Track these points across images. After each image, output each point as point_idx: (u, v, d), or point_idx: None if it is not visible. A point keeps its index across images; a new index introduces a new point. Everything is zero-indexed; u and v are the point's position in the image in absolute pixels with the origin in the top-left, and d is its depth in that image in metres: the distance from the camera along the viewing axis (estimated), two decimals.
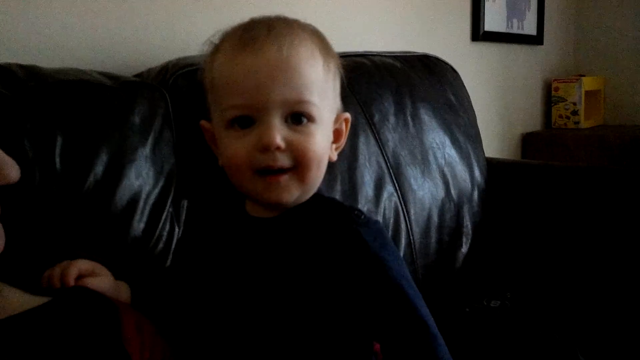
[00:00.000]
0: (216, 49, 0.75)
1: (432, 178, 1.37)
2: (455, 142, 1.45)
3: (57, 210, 0.86)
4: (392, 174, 1.30)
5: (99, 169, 0.89)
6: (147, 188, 0.94)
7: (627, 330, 1.18)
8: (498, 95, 2.35)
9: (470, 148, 1.49)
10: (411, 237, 1.30)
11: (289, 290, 0.70)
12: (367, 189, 1.24)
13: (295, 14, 0.78)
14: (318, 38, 0.75)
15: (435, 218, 1.35)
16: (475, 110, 1.60)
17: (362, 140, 1.27)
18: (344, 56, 1.35)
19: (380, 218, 1.25)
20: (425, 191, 1.35)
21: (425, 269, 1.31)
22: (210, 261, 0.80)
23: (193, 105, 1.01)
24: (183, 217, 0.99)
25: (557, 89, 2.54)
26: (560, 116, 2.54)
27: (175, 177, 0.99)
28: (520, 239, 1.48)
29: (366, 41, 1.72)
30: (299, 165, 0.71)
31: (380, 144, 1.31)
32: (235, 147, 0.71)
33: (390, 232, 1.26)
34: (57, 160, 0.87)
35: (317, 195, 0.77)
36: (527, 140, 2.47)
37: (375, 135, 1.30)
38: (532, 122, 2.55)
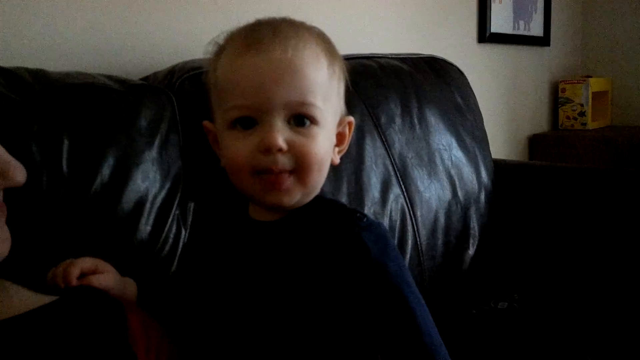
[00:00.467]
0: (220, 49, 0.75)
1: (438, 180, 1.37)
2: (462, 144, 1.44)
3: (64, 213, 0.86)
4: (399, 176, 1.30)
5: (105, 172, 0.90)
6: (153, 191, 0.95)
7: (636, 332, 1.18)
8: (505, 96, 2.34)
9: (477, 150, 1.48)
10: (418, 239, 1.30)
11: (290, 294, 0.70)
12: (373, 191, 1.24)
13: (301, 15, 0.78)
14: (323, 41, 0.75)
15: (442, 220, 1.35)
16: (482, 111, 1.59)
17: (368, 142, 1.27)
18: (350, 58, 1.36)
19: (386, 220, 1.25)
20: (432, 193, 1.34)
21: (432, 271, 1.31)
22: (213, 264, 0.80)
23: (199, 109, 1.01)
24: (189, 219, 0.99)
25: (564, 90, 2.53)
26: (568, 117, 2.53)
27: (182, 179, 0.99)
28: (527, 240, 1.48)
29: (372, 43, 1.72)
30: (301, 167, 0.70)
31: (387, 146, 1.31)
32: (236, 147, 0.70)
33: (396, 234, 1.26)
34: (64, 163, 0.87)
35: (319, 197, 0.77)
36: (534, 142, 2.46)
37: (381, 137, 1.30)
38: (539, 123, 2.54)
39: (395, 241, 1.25)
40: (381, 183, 1.26)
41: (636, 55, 2.65)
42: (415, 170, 1.33)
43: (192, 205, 1.00)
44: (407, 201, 1.30)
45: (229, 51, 0.73)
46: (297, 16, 0.77)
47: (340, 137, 0.78)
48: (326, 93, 0.72)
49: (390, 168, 1.29)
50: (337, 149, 0.78)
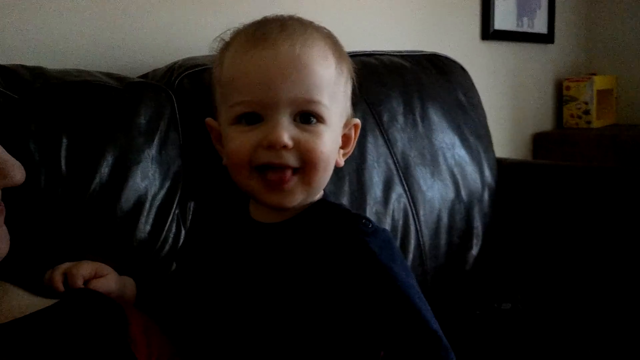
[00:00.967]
0: (227, 45, 0.74)
1: (441, 179, 1.36)
2: (465, 142, 1.43)
3: (62, 212, 0.85)
4: (401, 175, 1.29)
5: (104, 170, 0.89)
6: (153, 190, 0.94)
7: None
8: (508, 94, 2.33)
9: (480, 148, 1.47)
10: (420, 239, 1.28)
11: (291, 299, 0.68)
12: (375, 190, 1.23)
13: (302, 13, 0.77)
14: (332, 41, 0.74)
15: (445, 219, 1.34)
16: (485, 109, 1.58)
17: (370, 140, 1.26)
18: (352, 56, 1.34)
19: (389, 219, 1.24)
20: (435, 192, 1.33)
21: (435, 271, 1.30)
22: (212, 265, 0.78)
23: (199, 106, 1.01)
24: (189, 218, 0.98)
25: (568, 88, 2.51)
26: (572, 115, 2.51)
27: (182, 178, 0.99)
28: (531, 240, 1.47)
29: (375, 40, 1.71)
30: (306, 165, 0.68)
31: (389, 145, 1.29)
32: (239, 140, 0.69)
33: (399, 234, 1.25)
34: (63, 162, 0.86)
35: (323, 200, 0.75)
36: (538, 140, 2.45)
37: (383, 135, 1.29)
38: (543, 121, 2.53)
39: (398, 241, 1.24)
40: (383, 182, 1.25)
41: None
42: (417, 169, 1.32)
43: (191, 204, 0.99)
44: (410, 200, 1.28)
45: (235, 46, 0.72)
46: (299, 13, 0.76)
47: (345, 139, 0.76)
48: (333, 92, 0.71)
49: (393, 167, 1.28)
50: (342, 152, 0.77)
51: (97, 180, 0.88)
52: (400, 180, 1.28)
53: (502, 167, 1.53)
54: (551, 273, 1.40)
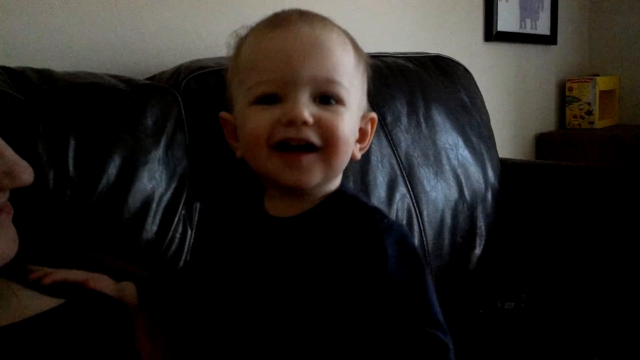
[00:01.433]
0: (244, 36, 0.73)
1: (445, 179, 1.36)
2: (468, 143, 1.44)
3: (70, 213, 0.86)
4: (405, 175, 1.30)
5: (112, 171, 0.90)
6: (159, 190, 0.95)
7: None
8: (511, 95, 2.34)
9: (483, 149, 1.48)
10: (424, 239, 1.29)
11: (303, 294, 0.67)
12: (379, 191, 1.24)
13: None
14: (349, 36, 0.74)
15: (448, 219, 1.34)
16: (488, 110, 1.59)
17: (374, 141, 1.26)
18: None
19: None
20: (438, 192, 1.34)
21: (438, 271, 1.31)
22: (227, 261, 0.77)
23: (205, 108, 1.02)
24: (196, 219, 0.99)
25: (571, 89, 2.52)
26: (575, 116, 2.52)
27: (188, 179, 0.99)
28: (534, 240, 1.47)
29: (378, 42, 1.72)
30: (328, 143, 0.66)
31: (393, 145, 1.30)
32: (257, 119, 0.67)
33: None
34: (70, 163, 0.87)
35: (341, 192, 0.73)
36: (541, 141, 2.46)
37: (387, 136, 1.30)
38: (546, 122, 2.53)
39: None
40: (387, 182, 1.26)
41: None
42: (421, 170, 1.33)
43: (198, 205, 1.00)
44: (414, 201, 1.29)
45: (254, 33, 0.71)
46: None
47: (362, 133, 0.74)
48: (352, 78, 0.70)
49: (397, 167, 1.29)
50: (358, 145, 0.74)
51: (104, 181, 0.89)
52: (404, 180, 1.29)
53: (506, 168, 1.53)
54: (554, 272, 1.40)
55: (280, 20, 0.69)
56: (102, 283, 0.76)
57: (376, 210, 0.71)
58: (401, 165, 1.30)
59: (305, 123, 0.65)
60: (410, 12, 1.90)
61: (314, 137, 0.66)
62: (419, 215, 1.29)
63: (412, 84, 1.39)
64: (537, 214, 1.49)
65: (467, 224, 1.38)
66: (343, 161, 0.69)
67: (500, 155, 1.56)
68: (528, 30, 2.36)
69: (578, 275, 1.38)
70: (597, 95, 2.46)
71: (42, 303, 0.68)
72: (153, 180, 0.94)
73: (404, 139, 1.32)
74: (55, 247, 0.83)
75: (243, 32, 0.74)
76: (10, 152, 0.67)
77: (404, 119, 1.34)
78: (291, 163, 0.66)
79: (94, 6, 1.18)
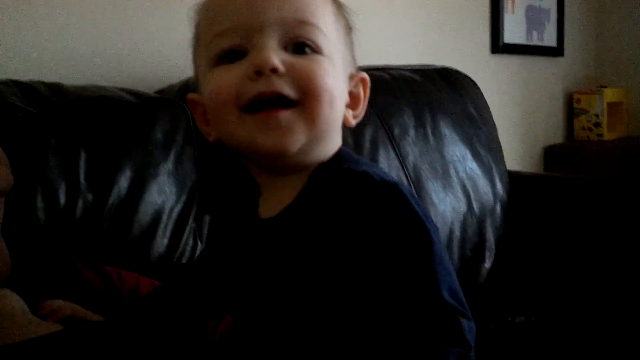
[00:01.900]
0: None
1: (453, 192, 1.36)
2: (476, 155, 1.44)
3: (81, 225, 0.86)
4: (413, 188, 1.29)
5: (122, 184, 0.90)
6: (169, 203, 0.95)
7: None
8: (519, 107, 2.33)
9: (491, 161, 1.47)
10: None
11: (301, 290, 0.57)
12: None
13: None
14: None
15: (457, 232, 1.34)
16: (496, 122, 1.59)
17: (382, 154, 1.27)
18: (362, 70, 1.36)
19: None
20: (447, 205, 1.34)
21: None
22: (220, 268, 0.69)
23: None
24: (205, 232, 0.99)
25: (578, 101, 2.51)
26: (583, 128, 2.51)
27: (197, 192, 1.00)
28: (544, 252, 1.46)
29: (385, 54, 1.72)
30: (306, 95, 0.55)
31: (401, 158, 1.30)
32: (220, 78, 0.56)
33: None
34: (82, 175, 0.88)
35: (327, 162, 0.60)
36: (550, 153, 2.45)
37: (395, 149, 1.30)
38: (554, 134, 2.53)
39: None
40: None
41: None
42: (429, 182, 1.33)
43: (207, 217, 1.00)
44: None
45: None
46: None
47: (353, 98, 0.63)
48: (330, 25, 0.59)
49: (405, 180, 1.29)
50: (351, 112, 0.63)
51: (115, 193, 0.89)
52: None
53: (514, 180, 1.53)
54: (564, 285, 1.40)
55: None
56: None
57: (364, 174, 0.57)
58: (409, 178, 1.30)
59: (275, 71, 0.54)
60: (416, 25, 1.91)
61: (287, 89, 0.54)
62: None
63: (419, 96, 1.40)
64: (547, 227, 1.48)
65: (476, 237, 1.37)
66: (329, 118, 0.57)
67: (508, 168, 1.56)
68: (535, 42, 2.36)
69: (588, 288, 1.37)
70: (605, 107, 2.45)
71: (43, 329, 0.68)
72: (163, 194, 0.94)
73: (411, 151, 1.32)
74: (45, 259, 0.83)
75: None
76: None
77: (412, 132, 1.34)
78: (266, 123, 0.54)
79: (104, 21, 1.19)
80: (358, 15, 0.71)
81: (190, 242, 0.97)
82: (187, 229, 0.96)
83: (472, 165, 1.42)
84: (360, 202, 0.55)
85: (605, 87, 2.55)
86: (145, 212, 0.92)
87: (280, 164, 0.58)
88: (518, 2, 2.26)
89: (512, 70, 2.29)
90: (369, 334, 0.55)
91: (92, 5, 1.18)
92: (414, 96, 1.39)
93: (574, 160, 2.37)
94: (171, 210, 0.95)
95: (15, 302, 0.69)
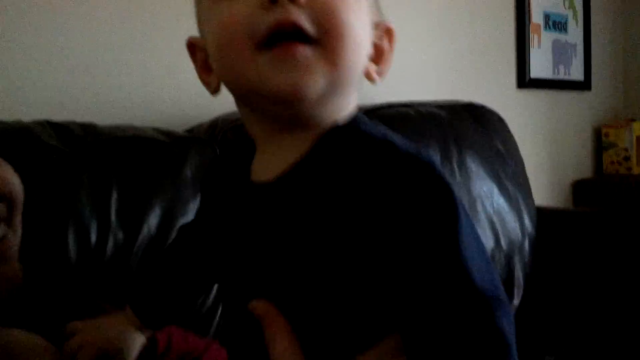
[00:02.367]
0: None
1: (480, 227, 1.35)
2: (503, 191, 1.43)
3: (112, 264, 0.88)
4: None
5: (152, 222, 0.92)
6: None
7: None
8: (547, 142, 2.32)
9: (519, 196, 1.47)
10: None
11: (303, 266, 0.49)
12: None
13: None
14: None
15: None
16: (523, 157, 1.58)
17: None
18: (389, 107, 1.38)
19: None
20: None
21: None
22: (211, 241, 0.62)
23: None
24: None
25: (607, 135, 2.49)
26: (612, 162, 2.48)
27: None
28: (573, 289, 1.44)
29: (411, 90, 1.74)
30: (327, 33, 0.47)
31: None
32: (230, 10, 0.48)
33: None
34: (113, 213, 0.90)
35: (350, 125, 0.52)
36: (579, 188, 2.42)
37: None
38: (583, 168, 2.50)
39: None
40: None
41: None
42: None
43: None
44: None
45: None
46: None
47: (377, 51, 0.55)
48: None
49: None
50: (374, 67, 0.55)
51: (145, 231, 0.91)
52: None
53: (543, 215, 1.52)
54: (594, 323, 1.37)
55: None
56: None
57: (385, 142, 0.49)
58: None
59: (293, 0, 0.46)
60: (442, 60, 1.92)
61: (307, 23, 0.47)
62: None
63: (445, 132, 1.40)
64: (576, 263, 1.46)
65: (505, 274, 1.36)
66: (351, 62, 0.50)
67: (536, 203, 1.54)
68: (562, 76, 2.36)
69: (619, 327, 1.34)
70: (634, 141, 2.43)
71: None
72: None
73: None
74: (69, 297, 0.84)
75: None
76: None
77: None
78: (283, 60, 0.47)
79: (136, 64, 1.23)
80: None
81: None
82: None
83: (499, 200, 1.42)
84: (379, 175, 0.46)
85: (634, 120, 2.53)
86: None
87: (292, 113, 0.50)
88: (544, 37, 2.27)
89: (539, 104, 2.29)
90: (383, 320, 0.48)
91: (124, 49, 1.22)
92: (440, 132, 1.40)
93: (603, 195, 2.34)
94: None
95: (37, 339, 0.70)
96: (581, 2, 2.42)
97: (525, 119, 2.20)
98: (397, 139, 0.50)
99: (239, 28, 0.47)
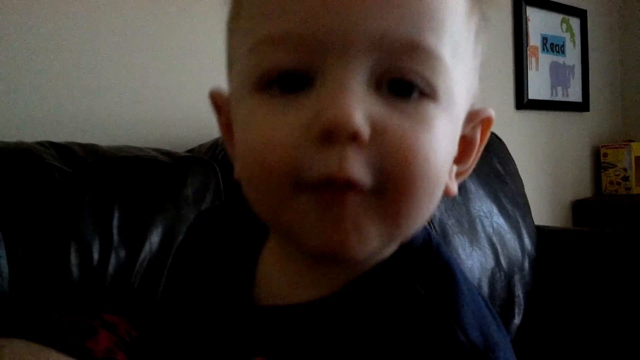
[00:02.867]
0: None
1: (480, 247, 1.36)
2: (503, 211, 1.44)
3: (114, 281, 0.88)
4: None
5: (154, 239, 0.92)
6: None
7: None
8: (546, 162, 2.34)
9: (519, 216, 1.47)
10: None
11: None
12: None
13: None
14: None
15: (485, 288, 1.33)
16: (523, 178, 1.59)
17: None
18: None
19: None
20: (474, 261, 1.33)
21: None
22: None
23: None
24: None
25: (606, 155, 2.51)
26: (611, 182, 2.49)
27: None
28: (574, 308, 1.44)
29: None
30: (392, 184, 0.34)
31: None
32: (267, 125, 0.35)
33: None
34: (115, 231, 0.90)
35: (402, 256, 0.40)
36: (578, 207, 2.43)
37: None
38: (582, 188, 2.51)
39: None
40: None
41: None
42: (456, 238, 1.33)
43: None
44: None
45: None
46: None
47: (465, 145, 0.41)
48: (460, 40, 0.37)
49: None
50: (455, 168, 0.41)
51: (146, 249, 0.91)
52: None
53: (542, 235, 1.52)
54: (595, 342, 1.37)
55: None
56: None
57: (449, 327, 0.36)
58: (435, 233, 1.30)
59: (355, 137, 0.33)
60: None
61: (366, 175, 0.34)
62: None
63: None
64: (576, 282, 1.46)
65: (505, 293, 1.36)
66: (420, 216, 0.37)
67: (536, 223, 1.55)
68: (560, 97, 2.38)
69: (619, 346, 1.34)
70: (633, 161, 2.44)
71: None
72: None
73: (437, 206, 1.33)
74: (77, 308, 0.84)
75: None
76: None
77: None
78: (330, 206, 0.34)
79: (137, 86, 1.25)
80: None
81: None
82: None
83: (498, 220, 1.42)
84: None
85: (632, 140, 2.54)
86: None
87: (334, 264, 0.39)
88: (542, 59, 2.29)
89: (538, 125, 2.30)
90: None
91: (125, 71, 1.23)
92: None
93: (602, 215, 2.34)
94: None
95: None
96: (578, 25, 2.45)
97: (524, 140, 2.21)
98: (469, 320, 0.37)
99: (278, 165, 0.34)
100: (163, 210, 0.95)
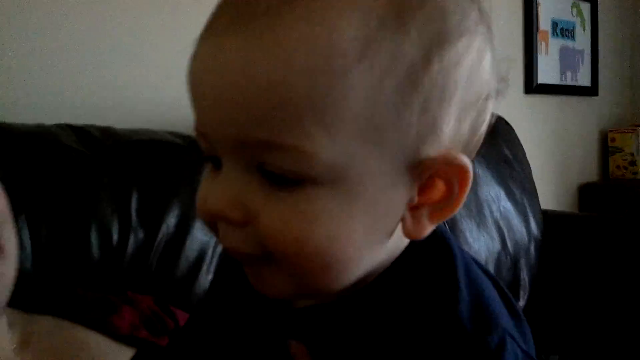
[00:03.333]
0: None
1: (487, 231, 1.38)
2: (510, 195, 1.46)
3: (133, 261, 0.91)
4: (447, 227, 1.31)
5: (171, 221, 0.95)
6: (214, 240, 0.99)
7: None
8: (553, 147, 2.34)
9: (525, 201, 1.49)
10: None
11: None
12: None
13: None
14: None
15: (491, 271, 1.35)
16: (530, 162, 1.60)
17: None
18: None
19: None
20: (481, 244, 1.35)
21: None
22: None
23: None
24: None
25: (613, 140, 2.51)
26: (618, 167, 2.50)
27: None
28: (578, 291, 1.46)
29: None
30: (275, 256, 0.37)
31: None
32: (204, 191, 0.40)
33: None
34: (133, 213, 0.92)
35: (409, 256, 0.42)
36: (584, 192, 2.44)
37: None
38: (589, 173, 2.52)
39: None
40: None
41: None
42: (464, 222, 1.35)
43: None
44: None
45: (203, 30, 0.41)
46: None
47: (426, 196, 0.40)
48: (341, 115, 0.35)
49: None
50: (399, 228, 0.40)
51: (164, 230, 0.94)
52: None
53: (549, 219, 1.54)
54: (599, 325, 1.39)
55: (213, 19, 0.39)
56: None
57: (455, 319, 0.39)
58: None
59: (229, 222, 0.38)
60: None
61: (247, 247, 0.38)
62: None
63: None
64: (581, 266, 1.48)
65: (511, 276, 1.38)
66: (329, 277, 0.38)
67: (543, 207, 1.57)
68: (569, 82, 2.38)
69: (623, 327, 1.36)
70: None
71: (113, 350, 0.71)
72: (208, 231, 0.98)
73: None
74: (98, 287, 0.86)
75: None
76: None
77: None
78: (244, 265, 0.41)
79: (153, 70, 1.26)
80: None
81: None
82: None
83: (506, 204, 1.44)
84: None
85: None
86: (191, 248, 0.96)
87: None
88: (552, 44, 2.29)
89: (546, 110, 2.31)
90: None
91: (142, 55, 1.25)
92: None
93: (609, 199, 2.35)
94: (215, 246, 0.99)
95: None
96: (589, 9, 2.44)
97: (532, 124, 2.22)
98: (475, 306, 0.40)
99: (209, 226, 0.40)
100: (179, 191, 0.97)
